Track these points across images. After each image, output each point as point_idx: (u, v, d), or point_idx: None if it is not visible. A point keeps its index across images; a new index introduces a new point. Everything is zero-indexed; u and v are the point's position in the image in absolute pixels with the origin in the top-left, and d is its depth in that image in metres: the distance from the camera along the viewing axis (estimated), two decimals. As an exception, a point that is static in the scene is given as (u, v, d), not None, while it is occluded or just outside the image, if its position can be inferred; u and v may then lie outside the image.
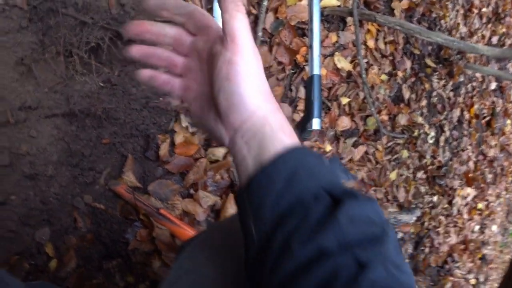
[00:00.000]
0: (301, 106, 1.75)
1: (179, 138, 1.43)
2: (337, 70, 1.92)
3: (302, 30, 1.75)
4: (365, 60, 2.08)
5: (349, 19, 1.94)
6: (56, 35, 1.27)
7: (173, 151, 1.44)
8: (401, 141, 2.44)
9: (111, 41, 1.36)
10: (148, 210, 1.36)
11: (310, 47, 1.46)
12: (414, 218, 2.61)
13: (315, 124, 1.40)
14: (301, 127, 1.44)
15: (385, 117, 2.25)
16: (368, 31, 2.10)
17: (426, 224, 2.83)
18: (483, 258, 3.78)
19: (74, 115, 1.24)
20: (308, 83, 1.44)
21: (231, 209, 1.51)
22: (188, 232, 1.41)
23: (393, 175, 2.36)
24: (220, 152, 1.49)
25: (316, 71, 1.44)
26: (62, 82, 1.29)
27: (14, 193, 1.20)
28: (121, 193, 1.35)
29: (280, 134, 0.51)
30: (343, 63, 1.91)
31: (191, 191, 1.49)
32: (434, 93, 2.66)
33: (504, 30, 3.35)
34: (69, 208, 1.30)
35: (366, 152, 2.14)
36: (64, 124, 1.25)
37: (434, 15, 2.55)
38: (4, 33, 1.19)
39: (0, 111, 1.14)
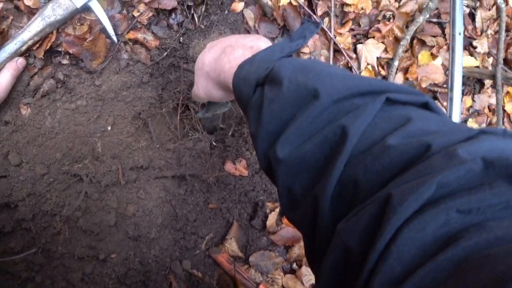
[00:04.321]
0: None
1: (288, 208, 1.30)
2: (468, 138, 1.67)
3: (434, 93, 1.55)
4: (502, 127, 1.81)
5: (487, 81, 1.70)
6: (175, 90, 1.23)
7: (281, 221, 1.31)
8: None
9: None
10: (248, 284, 1.24)
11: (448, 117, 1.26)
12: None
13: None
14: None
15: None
16: (507, 93, 1.82)
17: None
18: None
19: (183, 178, 1.17)
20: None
21: (336, 290, 1.34)
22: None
23: None
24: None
25: (455, 147, 1.24)
26: (175, 138, 1.24)
27: (116, 252, 1.15)
28: (221, 262, 1.25)
29: None
30: (477, 131, 1.66)
31: (294, 266, 1.34)
32: None
33: None
34: (166, 272, 1.22)
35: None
36: (173, 186, 1.18)
37: None
38: (126, 88, 1.16)
39: (113, 170, 1.10)
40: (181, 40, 1.23)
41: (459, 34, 1.29)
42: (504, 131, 0.41)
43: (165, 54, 1.20)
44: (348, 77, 0.52)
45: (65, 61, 1.14)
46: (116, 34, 1.16)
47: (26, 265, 1.10)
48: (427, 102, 0.50)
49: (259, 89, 0.58)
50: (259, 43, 0.69)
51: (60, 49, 1.13)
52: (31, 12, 1.11)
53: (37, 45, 1.10)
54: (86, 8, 1.12)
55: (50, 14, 1.09)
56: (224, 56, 0.68)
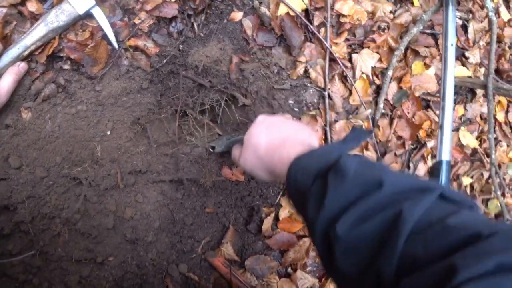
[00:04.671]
0: (418, 186, 1.57)
1: (284, 213, 1.32)
2: (461, 147, 1.71)
3: (427, 102, 1.59)
4: (493, 136, 1.84)
5: (479, 90, 1.74)
6: (173, 96, 1.25)
7: (276, 225, 1.33)
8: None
9: (226, 105, 1.31)
10: (243, 287, 1.26)
11: (440, 127, 1.30)
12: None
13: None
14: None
15: (510, 201, 1.96)
16: (499, 102, 1.86)
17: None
18: None
19: (181, 182, 1.19)
20: (435, 169, 1.27)
21: (331, 294, 1.36)
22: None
23: None
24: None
25: (446, 156, 1.27)
26: (173, 143, 1.26)
27: (113, 255, 1.17)
28: (217, 266, 1.27)
29: None
30: (469, 139, 1.70)
31: (289, 270, 1.36)
32: None
33: None
34: (162, 275, 1.24)
35: (484, 239, 1.87)
36: (170, 190, 1.20)
37: None
38: (126, 94, 1.18)
39: (111, 174, 1.12)
40: (180, 48, 1.25)
41: (451, 45, 1.33)
42: None
43: (164, 61, 1.22)
44: (407, 175, 0.63)
45: (66, 67, 1.16)
46: (117, 41, 1.19)
47: (24, 268, 1.11)
48: (472, 206, 0.57)
49: (319, 179, 0.65)
50: (312, 141, 0.79)
51: (62, 55, 1.15)
52: (34, 17, 1.13)
53: (40, 50, 1.12)
54: (88, 15, 1.15)
55: (53, 20, 1.11)
56: (284, 149, 0.75)
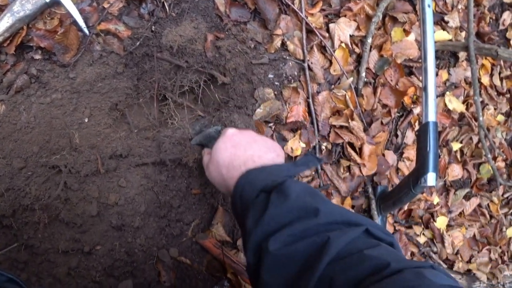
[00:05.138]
0: (407, 154, 1.55)
1: (272, 190, 1.30)
2: (448, 112, 1.69)
3: (410, 69, 1.57)
4: (480, 99, 1.83)
5: (461, 54, 1.72)
6: (151, 80, 1.23)
7: (265, 203, 1.31)
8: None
9: (205, 85, 1.28)
10: (237, 268, 1.24)
11: (424, 89, 1.28)
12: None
13: (431, 179, 1.21)
14: (413, 181, 1.25)
15: (501, 164, 1.95)
16: (482, 65, 1.85)
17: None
18: None
19: (164, 164, 1.17)
20: (422, 132, 1.25)
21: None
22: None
23: (510, 232, 2.03)
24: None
25: (432, 117, 1.25)
26: (154, 127, 1.24)
27: (100, 243, 1.15)
28: (209, 248, 1.24)
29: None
30: (455, 104, 1.68)
31: (283, 247, 1.34)
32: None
33: None
34: (153, 261, 1.21)
35: (479, 205, 1.86)
36: (154, 173, 1.18)
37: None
38: (101, 79, 1.16)
39: (91, 160, 1.10)
40: (153, 29, 1.23)
41: (428, 6, 1.31)
42: (445, 272, 0.56)
43: (138, 43, 1.19)
44: (342, 208, 0.71)
45: (37, 56, 1.14)
46: (88, 26, 1.16)
47: (11, 263, 1.09)
48: (392, 243, 0.65)
49: (263, 194, 0.73)
50: (278, 162, 0.83)
51: (31, 44, 1.12)
52: (0, 9, 1.10)
53: (8, 42, 1.10)
54: (55, 2, 1.12)
55: (19, 10, 1.08)
56: (244, 168, 0.80)
